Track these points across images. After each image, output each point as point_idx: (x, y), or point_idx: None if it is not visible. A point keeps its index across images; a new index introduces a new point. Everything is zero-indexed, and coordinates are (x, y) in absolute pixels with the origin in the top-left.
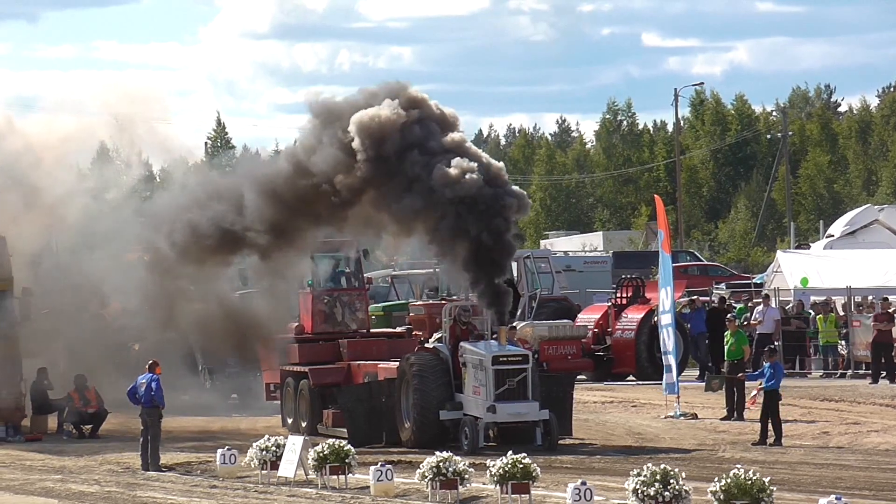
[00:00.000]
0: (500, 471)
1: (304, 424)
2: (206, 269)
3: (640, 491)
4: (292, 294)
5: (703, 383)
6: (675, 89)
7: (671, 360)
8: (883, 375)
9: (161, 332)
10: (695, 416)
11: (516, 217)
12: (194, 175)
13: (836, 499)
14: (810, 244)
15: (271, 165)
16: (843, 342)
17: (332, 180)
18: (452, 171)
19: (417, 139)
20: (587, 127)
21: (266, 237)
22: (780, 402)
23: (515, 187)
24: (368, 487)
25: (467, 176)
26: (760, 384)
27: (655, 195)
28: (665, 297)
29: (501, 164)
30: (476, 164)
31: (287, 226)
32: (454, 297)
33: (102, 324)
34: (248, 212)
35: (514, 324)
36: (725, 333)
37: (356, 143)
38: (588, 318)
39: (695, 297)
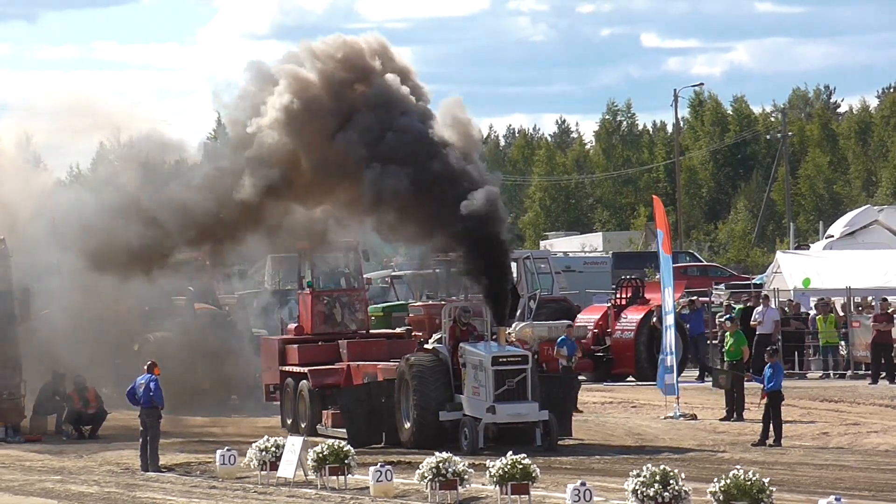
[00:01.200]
0: (500, 471)
1: (303, 425)
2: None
3: (639, 491)
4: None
5: (703, 384)
6: (675, 90)
7: (672, 360)
8: (882, 376)
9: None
10: (694, 417)
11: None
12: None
13: (836, 499)
14: (810, 245)
15: (189, 190)
16: (843, 343)
17: (262, 203)
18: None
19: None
20: (587, 127)
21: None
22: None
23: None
24: (368, 488)
25: (393, 184)
26: (763, 389)
27: (654, 196)
28: (668, 298)
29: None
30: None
31: (222, 245)
32: (453, 298)
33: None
34: (176, 233)
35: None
36: (725, 334)
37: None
38: (587, 318)
39: (694, 297)
